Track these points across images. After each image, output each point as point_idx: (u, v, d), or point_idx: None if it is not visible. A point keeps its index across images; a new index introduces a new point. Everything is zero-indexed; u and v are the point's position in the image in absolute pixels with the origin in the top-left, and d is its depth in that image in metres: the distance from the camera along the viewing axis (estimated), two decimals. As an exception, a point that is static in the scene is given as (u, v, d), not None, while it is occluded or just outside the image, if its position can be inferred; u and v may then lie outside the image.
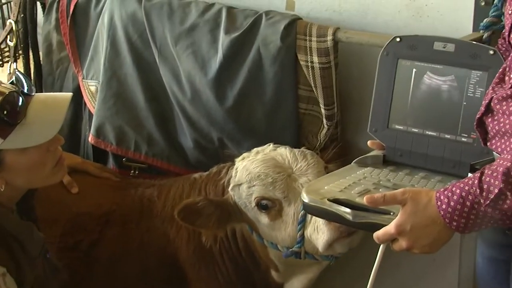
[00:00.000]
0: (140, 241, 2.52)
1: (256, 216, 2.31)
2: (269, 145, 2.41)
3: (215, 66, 2.58)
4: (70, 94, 2.08)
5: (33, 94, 2.00)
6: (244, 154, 2.41)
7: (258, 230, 2.35)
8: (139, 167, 2.86)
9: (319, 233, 2.16)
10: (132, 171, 2.86)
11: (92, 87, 2.98)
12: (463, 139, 1.90)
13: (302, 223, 2.21)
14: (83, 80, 3.02)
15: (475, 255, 2.20)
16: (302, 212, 2.19)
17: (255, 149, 2.41)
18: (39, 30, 3.18)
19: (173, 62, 2.70)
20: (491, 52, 1.86)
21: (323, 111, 2.49)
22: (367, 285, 1.73)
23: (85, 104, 3.02)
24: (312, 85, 2.46)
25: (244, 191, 2.30)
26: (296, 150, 2.35)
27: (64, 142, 2.08)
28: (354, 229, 2.07)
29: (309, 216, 2.18)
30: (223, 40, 2.55)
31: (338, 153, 2.48)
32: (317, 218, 2.13)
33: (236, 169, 2.38)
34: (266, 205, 2.27)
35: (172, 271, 2.50)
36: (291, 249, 2.27)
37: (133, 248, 2.51)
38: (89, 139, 2.90)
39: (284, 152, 2.33)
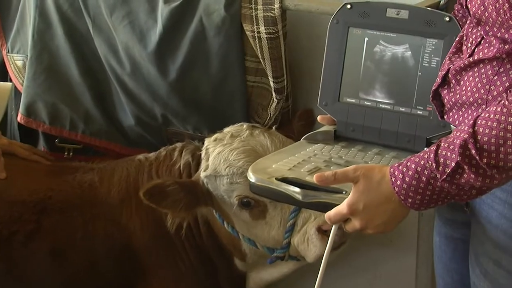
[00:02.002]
0: (85, 230, 2.43)
1: (234, 211, 2.26)
2: (242, 125, 2.36)
3: (154, 38, 2.52)
4: (10, 84, 1.96)
5: None
6: (216, 135, 2.33)
7: (234, 223, 2.30)
8: (74, 148, 2.79)
9: (309, 245, 2.15)
10: (66, 153, 2.79)
11: (18, 62, 2.87)
12: (418, 112, 1.88)
13: (290, 231, 2.19)
14: (8, 54, 2.91)
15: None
16: (291, 221, 2.17)
17: (228, 130, 2.34)
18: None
19: (109, 33, 2.63)
20: (447, 18, 1.83)
21: (272, 84, 2.46)
22: (319, 270, 1.71)
23: (10, 80, 2.88)
24: (260, 56, 2.42)
25: (224, 185, 2.23)
26: (274, 138, 2.29)
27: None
28: (344, 239, 2.12)
29: (298, 224, 2.17)
30: (162, 10, 2.49)
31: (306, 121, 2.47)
32: (308, 228, 2.15)
33: (207, 150, 2.31)
34: (249, 203, 2.22)
35: (124, 260, 2.44)
36: (274, 254, 2.26)
37: (77, 238, 2.43)
38: (18, 118, 2.80)
39: (264, 142, 2.27)
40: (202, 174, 2.29)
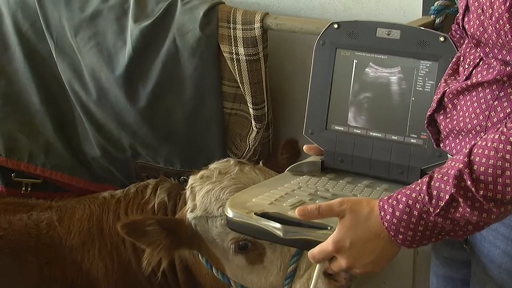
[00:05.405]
0: (40, 275, 2.40)
1: (226, 255, 2.22)
2: (228, 160, 2.34)
3: (123, 60, 2.54)
4: None
5: None
6: (202, 172, 2.31)
7: (224, 268, 2.26)
8: (32, 183, 2.77)
9: None
10: (23, 188, 2.77)
11: (-28, 88, 2.88)
12: (412, 140, 1.90)
13: (291, 277, 2.16)
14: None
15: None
16: (293, 265, 2.15)
17: (214, 166, 2.32)
18: None
19: (73, 56, 2.64)
20: (441, 39, 1.85)
21: (251, 111, 2.48)
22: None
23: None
24: (238, 80, 2.45)
25: (218, 227, 2.20)
26: (267, 174, 2.28)
27: None
28: (350, 283, 2.07)
29: (300, 269, 2.15)
30: (132, 29, 2.51)
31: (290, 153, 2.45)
32: (311, 273, 2.08)
33: (192, 188, 2.29)
34: (246, 245, 2.18)
35: None
36: None
37: (30, 284, 2.39)
38: (-31, 150, 2.79)
39: (257, 179, 2.25)
40: (189, 215, 2.26)
